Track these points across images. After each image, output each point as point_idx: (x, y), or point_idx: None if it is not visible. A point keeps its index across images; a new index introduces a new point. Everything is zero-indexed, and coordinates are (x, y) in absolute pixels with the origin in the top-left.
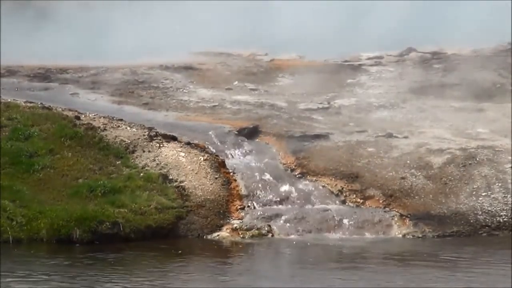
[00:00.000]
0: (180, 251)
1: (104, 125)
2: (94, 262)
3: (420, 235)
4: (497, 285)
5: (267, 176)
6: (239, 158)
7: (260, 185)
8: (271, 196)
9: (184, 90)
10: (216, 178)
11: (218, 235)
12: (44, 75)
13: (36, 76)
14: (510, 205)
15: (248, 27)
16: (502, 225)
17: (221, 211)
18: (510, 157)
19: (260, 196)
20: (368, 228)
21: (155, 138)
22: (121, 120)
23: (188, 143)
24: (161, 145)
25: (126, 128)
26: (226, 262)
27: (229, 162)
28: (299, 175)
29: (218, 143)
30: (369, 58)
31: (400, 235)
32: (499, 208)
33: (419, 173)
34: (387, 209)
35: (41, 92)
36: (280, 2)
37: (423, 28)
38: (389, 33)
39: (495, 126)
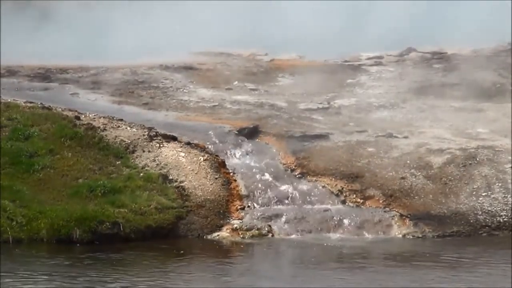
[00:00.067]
0: (182, 251)
1: (104, 125)
2: (94, 262)
3: (420, 235)
4: (500, 285)
5: (267, 176)
6: (239, 158)
7: (260, 185)
8: (271, 196)
9: (184, 90)
10: (216, 178)
11: (218, 235)
12: (44, 75)
13: (36, 76)
14: (510, 205)
15: (248, 27)
16: (502, 225)
17: (221, 211)
18: (510, 157)
19: (260, 196)
20: (368, 228)
21: (155, 138)
22: (121, 120)
23: (188, 143)
24: (161, 145)
25: (126, 128)
26: (227, 262)
27: (229, 162)
28: (299, 175)
29: (218, 143)
30: (369, 58)
31: (400, 235)
32: (499, 208)
33: (419, 173)
34: (387, 209)
35: (41, 92)
36: (280, 2)
37: (423, 28)
38: (389, 33)
39: (495, 126)
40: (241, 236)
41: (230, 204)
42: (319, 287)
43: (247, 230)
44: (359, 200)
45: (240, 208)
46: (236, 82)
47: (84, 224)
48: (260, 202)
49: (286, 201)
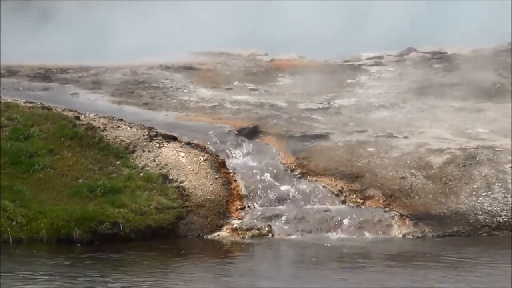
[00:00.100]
0: (183, 251)
1: (104, 125)
2: (95, 262)
3: (420, 235)
4: (500, 285)
5: (267, 176)
6: (239, 158)
7: (260, 185)
8: (271, 196)
9: (184, 90)
10: (216, 178)
11: (218, 235)
12: (44, 75)
13: (36, 76)
14: (510, 205)
15: (248, 27)
16: (502, 225)
17: (221, 211)
18: (510, 157)
19: (260, 196)
20: (368, 228)
21: (155, 138)
22: (121, 120)
23: (188, 143)
24: (161, 145)
25: (126, 128)
26: (228, 262)
27: (229, 162)
28: (299, 175)
29: (218, 143)
30: (369, 58)
31: (400, 235)
32: (499, 208)
33: (419, 173)
34: (387, 209)
35: (41, 92)
36: (280, 2)
37: (423, 28)
38: (389, 33)
39: (495, 126)
40: (241, 236)
41: (230, 204)
42: (319, 287)
43: (247, 230)
44: (359, 200)
45: (240, 208)
46: (236, 82)
47: (84, 224)
48: (260, 202)
49: (286, 201)
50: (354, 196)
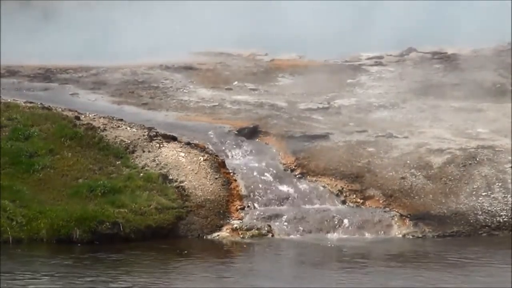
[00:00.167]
0: (185, 251)
1: (104, 125)
2: (95, 262)
3: (420, 235)
4: (500, 285)
5: (267, 176)
6: (239, 158)
7: (260, 185)
8: (271, 196)
9: (184, 90)
10: (216, 178)
11: (218, 235)
12: (44, 75)
13: (36, 76)
14: (510, 205)
15: (248, 27)
16: (502, 225)
17: (221, 211)
18: (510, 157)
19: (260, 196)
20: (368, 228)
21: (155, 138)
22: (121, 120)
23: (188, 143)
24: (161, 145)
25: (126, 128)
26: (228, 262)
27: (229, 162)
28: (299, 175)
29: (218, 143)
30: (369, 58)
31: (400, 235)
32: (499, 208)
33: (419, 173)
34: (387, 209)
35: (41, 92)
36: (280, 2)
37: (423, 28)
38: (389, 33)
39: (495, 126)
40: (241, 236)
41: (230, 204)
42: (320, 287)
43: (247, 230)
44: (359, 200)
45: (240, 208)
46: (236, 82)
47: (84, 224)
48: (260, 202)
49: (286, 201)
50: (354, 196)
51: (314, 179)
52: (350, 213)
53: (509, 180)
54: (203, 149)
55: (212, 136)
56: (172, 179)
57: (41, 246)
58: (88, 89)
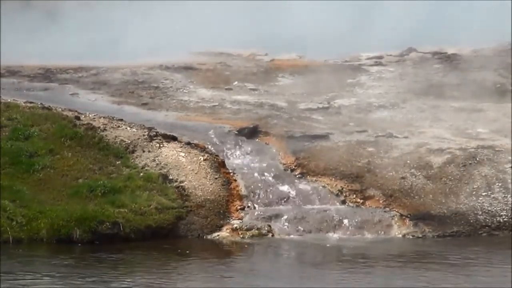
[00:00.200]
0: (187, 251)
1: (104, 125)
2: (96, 262)
3: (420, 235)
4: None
5: (267, 176)
6: (239, 158)
7: (260, 185)
8: (271, 196)
9: (184, 90)
10: (216, 178)
11: (218, 235)
12: (44, 75)
13: (36, 76)
14: (510, 205)
15: (248, 27)
16: (502, 225)
17: (221, 211)
18: (510, 157)
19: (260, 196)
20: (368, 228)
21: (155, 138)
22: (121, 120)
23: (188, 143)
24: (161, 145)
25: (126, 128)
26: (230, 262)
27: (229, 162)
28: (299, 175)
29: (218, 143)
30: (369, 58)
31: (400, 235)
32: (499, 208)
33: (419, 173)
34: (387, 209)
35: (41, 92)
36: (280, 2)
37: (423, 28)
38: (389, 33)
39: (495, 126)
40: (241, 236)
41: (230, 204)
42: (320, 287)
43: (247, 230)
44: (359, 200)
45: (240, 208)
46: (236, 82)
47: (84, 224)
48: (260, 202)
49: (286, 201)
50: (354, 196)
51: (314, 179)
52: (350, 213)
53: (509, 180)
54: (203, 149)
55: (212, 136)
56: (172, 179)
57: (41, 246)
58: (88, 89)
